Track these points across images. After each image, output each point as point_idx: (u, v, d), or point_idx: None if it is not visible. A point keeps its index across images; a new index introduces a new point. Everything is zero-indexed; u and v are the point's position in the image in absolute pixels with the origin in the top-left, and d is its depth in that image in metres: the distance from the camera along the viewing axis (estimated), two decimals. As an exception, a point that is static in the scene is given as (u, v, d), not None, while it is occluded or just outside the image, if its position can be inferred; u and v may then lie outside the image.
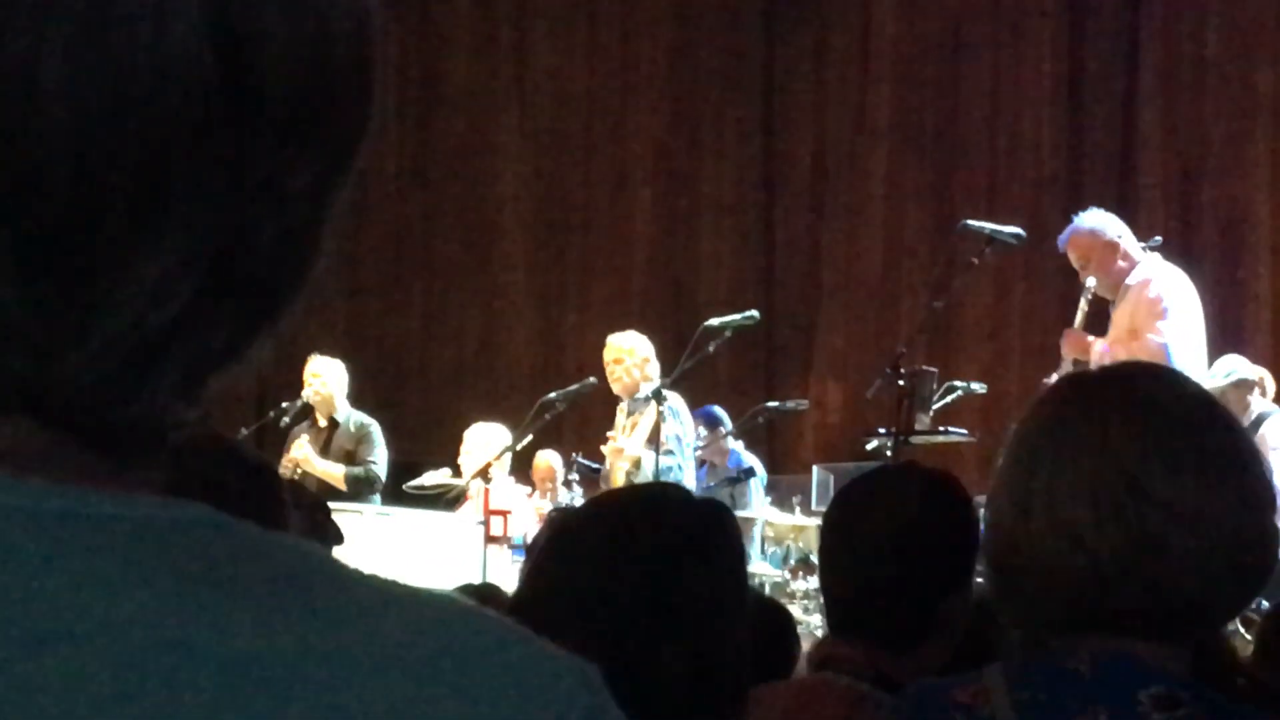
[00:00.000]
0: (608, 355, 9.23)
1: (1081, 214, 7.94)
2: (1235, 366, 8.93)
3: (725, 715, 1.96)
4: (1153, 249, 7.79)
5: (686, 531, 1.97)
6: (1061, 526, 1.72)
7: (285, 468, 9.33)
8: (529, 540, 8.24)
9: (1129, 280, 7.58)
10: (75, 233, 0.63)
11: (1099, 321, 7.80)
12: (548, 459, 10.12)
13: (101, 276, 0.64)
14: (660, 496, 2.12)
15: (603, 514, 2.08)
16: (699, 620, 1.92)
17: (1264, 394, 8.90)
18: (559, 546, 2.02)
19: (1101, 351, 7.49)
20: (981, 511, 1.89)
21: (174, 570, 0.64)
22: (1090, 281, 7.64)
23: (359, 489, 9.34)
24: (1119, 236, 7.69)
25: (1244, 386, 8.78)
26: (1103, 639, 1.74)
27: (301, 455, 9.43)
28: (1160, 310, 7.49)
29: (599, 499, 2.39)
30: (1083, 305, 7.73)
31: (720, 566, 1.98)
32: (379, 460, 9.51)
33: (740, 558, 2.05)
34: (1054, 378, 7.82)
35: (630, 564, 1.92)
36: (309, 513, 2.99)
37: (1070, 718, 1.71)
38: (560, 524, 2.14)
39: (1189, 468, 1.72)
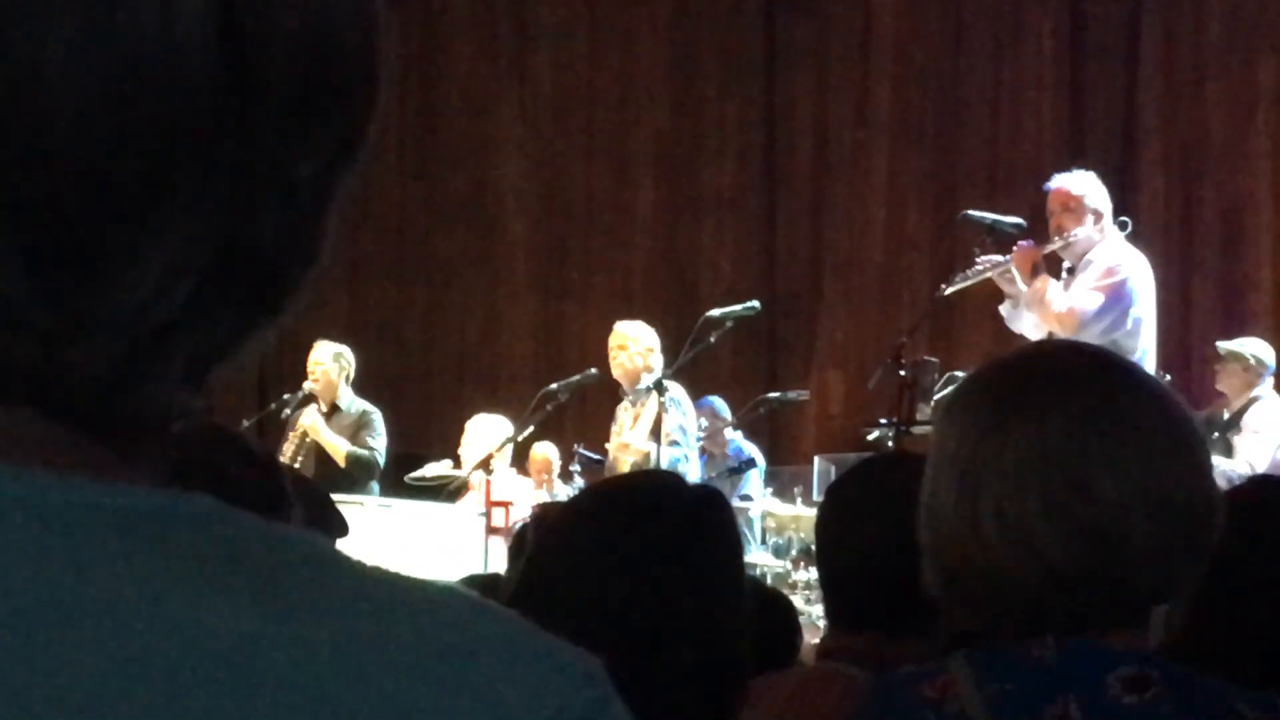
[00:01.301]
0: (613, 341, 9.23)
1: (1081, 170, 7.94)
2: (1255, 347, 8.93)
3: (726, 703, 1.96)
4: (1119, 229, 7.80)
5: (680, 519, 1.96)
6: (1014, 535, 1.69)
7: (290, 442, 9.36)
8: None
9: (1092, 255, 7.59)
10: (81, 223, 0.63)
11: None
12: (544, 451, 10.12)
13: (107, 266, 0.64)
14: (654, 484, 2.11)
15: (598, 503, 2.08)
16: (696, 608, 1.92)
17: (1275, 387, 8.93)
18: (555, 536, 2.02)
19: (1044, 286, 7.49)
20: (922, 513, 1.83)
21: (176, 561, 0.64)
22: (1056, 242, 7.63)
23: (358, 471, 9.35)
24: (1104, 209, 7.70)
25: (1252, 366, 8.79)
26: (1064, 635, 1.72)
27: (309, 423, 9.45)
28: (1109, 284, 7.49)
29: (594, 488, 2.38)
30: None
31: (716, 554, 1.97)
32: (379, 447, 9.53)
33: (736, 545, 2.04)
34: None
35: (625, 553, 1.92)
36: (312, 504, 2.99)
37: (1041, 707, 1.69)
38: (557, 514, 2.14)
39: (1133, 456, 1.70)
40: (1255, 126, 11.97)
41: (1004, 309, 7.89)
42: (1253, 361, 8.84)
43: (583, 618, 1.83)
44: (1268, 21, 11.87)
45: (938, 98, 13.13)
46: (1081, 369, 1.80)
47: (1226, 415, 8.69)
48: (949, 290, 8.08)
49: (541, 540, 2.06)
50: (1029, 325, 7.77)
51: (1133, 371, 1.86)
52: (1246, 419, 8.70)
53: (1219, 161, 12.12)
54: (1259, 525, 2.23)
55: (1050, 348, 2.09)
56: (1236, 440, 8.55)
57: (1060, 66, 12.74)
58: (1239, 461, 8.33)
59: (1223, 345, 9.08)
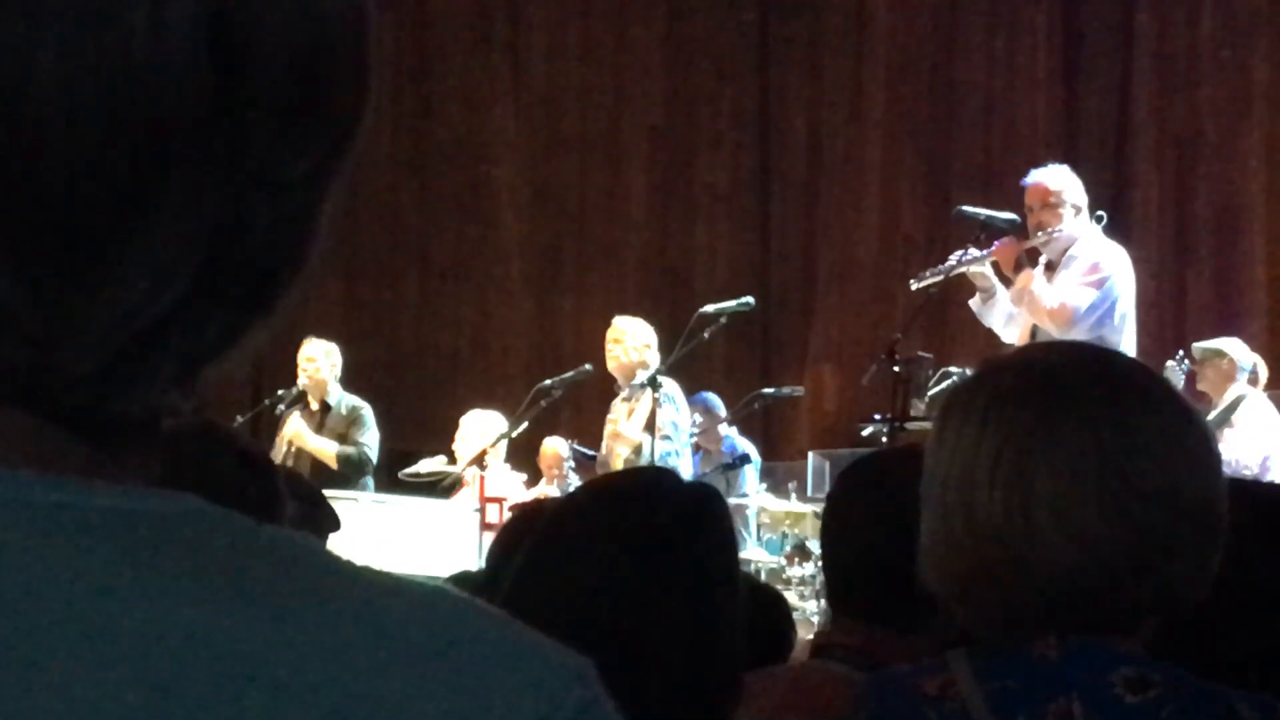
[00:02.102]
0: (609, 335, 9.25)
1: (1059, 165, 7.94)
2: (1232, 345, 9.02)
3: (719, 702, 1.96)
4: (1096, 223, 7.80)
5: (676, 516, 1.96)
6: (1071, 530, 1.69)
7: (279, 448, 9.36)
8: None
9: (1074, 251, 7.59)
10: (71, 224, 0.63)
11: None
12: (555, 446, 10.13)
13: (98, 267, 0.64)
14: (650, 481, 2.11)
15: (594, 500, 2.07)
16: (691, 605, 1.92)
17: (1255, 383, 8.98)
18: (550, 533, 2.01)
19: (1030, 281, 7.46)
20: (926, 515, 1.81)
21: (166, 563, 0.64)
22: (1040, 237, 7.61)
23: (350, 469, 9.35)
24: (1082, 204, 7.71)
25: (1234, 362, 8.88)
26: (1065, 635, 1.72)
27: (293, 432, 9.44)
28: (1098, 280, 7.50)
29: (588, 485, 2.38)
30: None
31: (710, 551, 1.97)
32: (370, 442, 9.52)
33: (731, 542, 2.04)
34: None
35: (620, 550, 1.92)
36: (305, 501, 2.99)
37: (1043, 705, 1.69)
38: (552, 511, 2.13)
39: (1173, 458, 1.72)
40: (1249, 122, 11.98)
41: (973, 303, 7.89)
42: (1235, 358, 8.94)
43: (578, 614, 1.83)
44: (1261, 16, 11.88)
45: (931, 93, 13.14)
46: (1118, 373, 1.82)
47: (1212, 414, 8.74)
48: (919, 285, 8.08)
49: (538, 537, 2.05)
50: (999, 320, 7.76)
51: (1156, 376, 1.87)
52: (1238, 415, 8.76)
53: (1213, 157, 12.14)
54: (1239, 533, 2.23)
55: (1075, 349, 2.10)
56: (1228, 434, 8.61)
57: (1054, 61, 12.75)
58: (1244, 453, 8.38)
59: (1200, 346, 9.20)
